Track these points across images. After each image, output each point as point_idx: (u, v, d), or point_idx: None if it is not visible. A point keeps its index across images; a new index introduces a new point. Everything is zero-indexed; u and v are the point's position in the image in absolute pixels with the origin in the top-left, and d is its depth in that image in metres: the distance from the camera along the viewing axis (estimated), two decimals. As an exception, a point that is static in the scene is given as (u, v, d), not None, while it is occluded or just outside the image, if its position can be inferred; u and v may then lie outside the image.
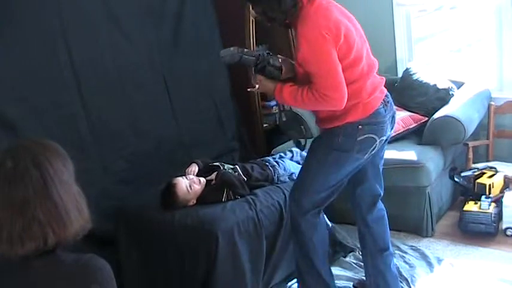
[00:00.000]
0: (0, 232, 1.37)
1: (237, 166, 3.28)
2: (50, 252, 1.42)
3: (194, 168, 3.27)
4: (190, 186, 3.06)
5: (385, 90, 2.64)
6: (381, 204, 2.84)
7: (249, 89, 2.66)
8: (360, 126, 2.48)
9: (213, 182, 3.17)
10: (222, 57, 2.50)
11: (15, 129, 2.99)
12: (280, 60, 2.53)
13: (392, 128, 2.68)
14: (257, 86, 2.55)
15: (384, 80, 2.66)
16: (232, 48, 2.48)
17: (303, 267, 2.76)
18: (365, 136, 2.49)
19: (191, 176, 3.15)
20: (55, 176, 1.42)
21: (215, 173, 3.21)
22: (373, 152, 2.57)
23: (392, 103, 2.67)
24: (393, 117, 2.66)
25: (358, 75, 2.46)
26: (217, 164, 3.31)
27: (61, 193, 1.42)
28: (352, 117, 2.47)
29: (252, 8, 2.50)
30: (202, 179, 3.16)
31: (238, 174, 3.20)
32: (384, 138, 2.60)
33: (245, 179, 3.18)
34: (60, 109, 3.24)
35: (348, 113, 2.47)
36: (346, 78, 2.37)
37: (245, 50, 2.52)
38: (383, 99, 2.57)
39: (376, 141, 2.53)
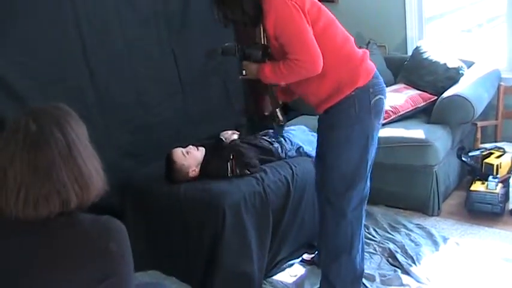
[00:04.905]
0: (26, 195, 1.38)
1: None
2: (68, 213, 1.44)
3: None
4: (186, 152, 3.07)
5: None
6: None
7: (240, 77, 2.69)
8: (370, 90, 2.48)
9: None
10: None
11: (23, 100, 2.97)
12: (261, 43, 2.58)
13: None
14: (244, 71, 2.62)
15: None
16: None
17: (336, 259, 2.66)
18: (376, 98, 2.50)
19: (189, 146, 3.14)
20: (77, 140, 1.45)
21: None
22: (383, 115, 2.59)
23: None
24: None
25: (341, 37, 2.51)
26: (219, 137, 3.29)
27: (84, 156, 1.45)
28: (361, 81, 2.47)
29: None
30: (201, 147, 3.15)
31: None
32: (386, 100, 2.60)
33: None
34: (68, 81, 3.23)
35: (355, 78, 2.46)
36: (331, 40, 2.44)
37: (226, 44, 2.68)
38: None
39: (383, 101, 2.55)
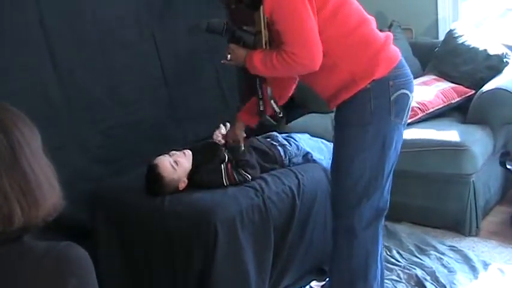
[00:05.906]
0: None
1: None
2: (15, 239, 1.40)
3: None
4: (175, 162, 3.05)
5: None
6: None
7: (222, 61, 2.76)
8: (390, 82, 2.50)
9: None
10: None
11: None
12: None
13: None
14: (229, 56, 2.68)
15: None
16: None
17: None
18: (398, 93, 2.51)
19: (173, 152, 3.13)
20: (25, 144, 1.42)
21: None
22: (409, 114, 2.59)
23: None
24: None
25: (357, 19, 2.53)
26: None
27: (31, 163, 1.41)
28: (379, 72, 2.48)
29: None
30: (187, 151, 3.14)
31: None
32: (413, 94, 2.61)
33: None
34: (27, 72, 3.22)
35: (371, 68, 2.49)
36: (342, 23, 2.48)
37: (213, 19, 2.72)
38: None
39: (409, 97, 2.56)
